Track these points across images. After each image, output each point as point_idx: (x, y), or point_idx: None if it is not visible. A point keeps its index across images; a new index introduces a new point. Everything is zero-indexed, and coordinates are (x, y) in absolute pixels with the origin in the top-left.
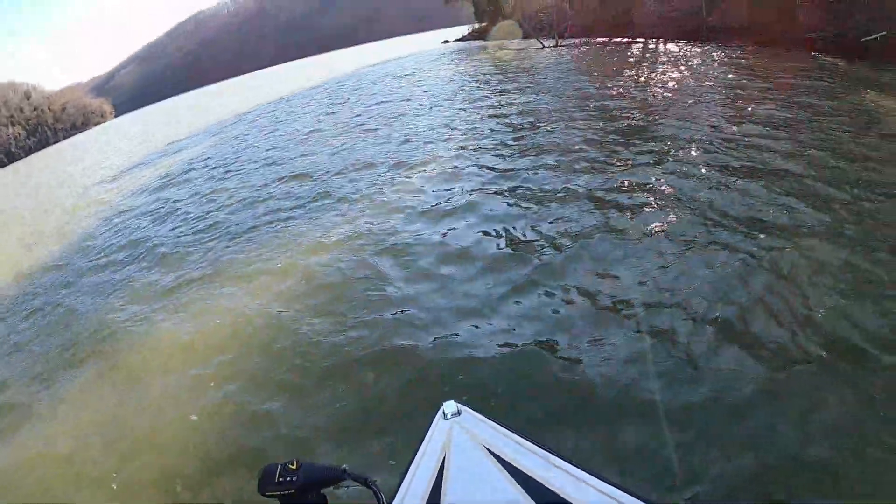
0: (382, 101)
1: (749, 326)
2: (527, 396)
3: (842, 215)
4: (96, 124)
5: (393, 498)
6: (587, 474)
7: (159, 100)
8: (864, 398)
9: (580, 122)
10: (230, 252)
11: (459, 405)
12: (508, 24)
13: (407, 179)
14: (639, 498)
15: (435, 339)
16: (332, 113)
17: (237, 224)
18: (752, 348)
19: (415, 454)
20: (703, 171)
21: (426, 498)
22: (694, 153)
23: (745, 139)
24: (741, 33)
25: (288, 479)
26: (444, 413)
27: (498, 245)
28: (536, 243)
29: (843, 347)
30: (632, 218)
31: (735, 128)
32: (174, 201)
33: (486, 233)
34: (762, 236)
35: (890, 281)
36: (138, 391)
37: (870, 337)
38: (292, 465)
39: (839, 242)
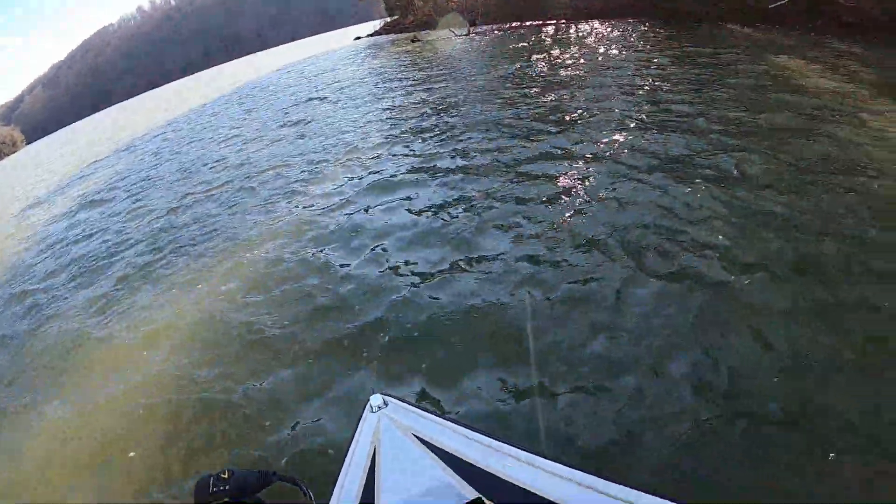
0: (297, 103)
1: (659, 261)
2: (455, 361)
3: (744, 160)
4: (7, 154)
5: (330, 495)
6: (519, 450)
7: (73, 121)
8: (764, 310)
9: (494, 102)
10: (156, 266)
11: (385, 396)
12: (453, 15)
13: (328, 174)
14: (576, 469)
15: (363, 322)
16: (248, 119)
17: (161, 237)
18: (663, 279)
19: (347, 450)
20: (615, 133)
21: (360, 493)
22: (605, 118)
23: (655, 102)
24: (650, 9)
25: (221, 488)
26: (371, 406)
27: (420, 224)
28: (458, 220)
29: (743, 268)
30: (548, 180)
31: (645, 93)
32: (95, 222)
33: (409, 212)
34: (670, 184)
35: (782, 211)
36: (80, 411)
37: (767, 257)
38: (224, 474)
39: (739, 183)
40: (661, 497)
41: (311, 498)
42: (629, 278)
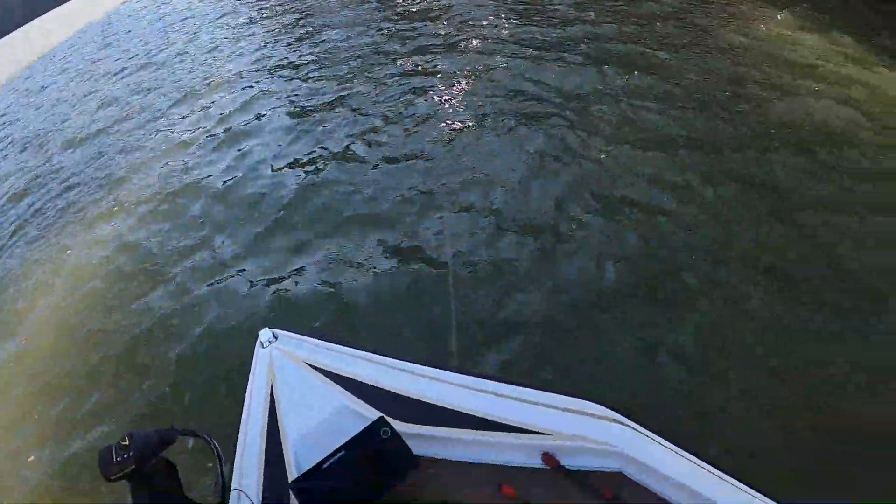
0: (152, 39)
1: (546, 160)
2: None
3: (609, 50)
4: None
5: (236, 439)
6: (414, 365)
7: None
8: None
9: (364, 28)
10: (23, 229)
11: (274, 330)
12: None
13: (193, 104)
14: (470, 374)
15: (247, 242)
16: (98, 62)
17: (23, 199)
18: (533, 159)
19: (245, 391)
20: (491, 29)
21: (265, 432)
22: (480, 15)
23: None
24: None
25: (124, 455)
26: (261, 342)
27: (294, 138)
28: (336, 131)
29: (609, 145)
30: (423, 77)
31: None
32: None
33: (281, 128)
34: (545, 69)
35: (653, 89)
36: None
37: (632, 133)
38: (124, 441)
39: (610, 66)
40: (553, 392)
41: (215, 447)
42: (501, 168)
